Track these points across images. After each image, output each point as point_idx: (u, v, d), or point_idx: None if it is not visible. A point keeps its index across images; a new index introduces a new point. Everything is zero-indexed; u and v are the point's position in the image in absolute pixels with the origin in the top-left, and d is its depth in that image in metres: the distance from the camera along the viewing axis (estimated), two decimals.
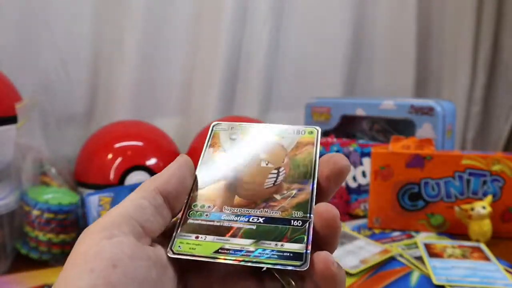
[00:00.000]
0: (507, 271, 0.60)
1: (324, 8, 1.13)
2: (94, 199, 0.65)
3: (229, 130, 0.30)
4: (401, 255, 0.65)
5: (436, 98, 1.03)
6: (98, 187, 0.72)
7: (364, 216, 0.83)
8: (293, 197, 0.25)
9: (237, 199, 0.26)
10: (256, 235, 0.23)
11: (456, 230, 0.74)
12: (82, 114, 0.93)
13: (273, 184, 0.26)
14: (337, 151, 0.85)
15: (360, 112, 0.91)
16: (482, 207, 0.69)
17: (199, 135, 0.87)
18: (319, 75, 1.16)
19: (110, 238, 0.21)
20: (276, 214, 0.25)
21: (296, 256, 0.22)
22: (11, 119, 0.65)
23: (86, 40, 0.90)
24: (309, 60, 1.15)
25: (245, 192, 0.26)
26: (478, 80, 1.28)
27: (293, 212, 0.25)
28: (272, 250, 0.23)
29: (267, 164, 0.27)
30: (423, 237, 0.73)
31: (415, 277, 0.59)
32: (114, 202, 0.65)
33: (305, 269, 0.22)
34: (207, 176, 0.27)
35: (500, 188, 0.72)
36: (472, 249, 0.67)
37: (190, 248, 0.23)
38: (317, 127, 0.30)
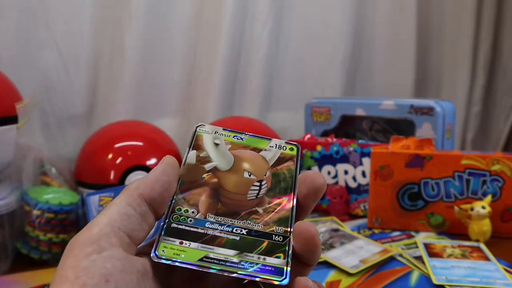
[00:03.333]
0: (506, 271, 0.60)
1: (324, 8, 1.14)
2: (94, 199, 0.65)
3: (213, 134, 0.30)
4: (401, 255, 0.65)
5: (436, 98, 1.03)
6: (98, 187, 0.72)
7: (364, 216, 0.83)
8: (274, 212, 0.26)
9: (220, 207, 0.26)
10: (239, 247, 0.24)
11: (455, 230, 0.74)
12: (82, 114, 0.93)
13: (256, 196, 0.27)
14: (337, 151, 0.85)
15: (360, 112, 0.91)
16: (482, 207, 0.69)
17: None
18: (319, 75, 1.16)
19: (100, 252, 0.21)
20: (259, 227, 0.25)
21: (278, 271, 0.23)
22: (12, 119, 0.65)
23: (86, 40, 0.90)
24: (309, 60, 1.15)
25: (228, 201, 0.26)
26: (478, 80, 1.29)
27: (274, 227, 0.25)
28: (255, 263, 0.23)
29: (250, 176, 0.28)
30: (422, 237, 0.73)
31: (414, 277, 0.59)
32: None
33: (286, 284, 0.23)
34: (191, 179, 0.27)
35: (499, 188, 0.72)
36: (472, 249, 0.67)
37: (174, 254, 0.23)
38: (298, 145, 0.30)
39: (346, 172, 0.85)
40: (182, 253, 0.23)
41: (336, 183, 0.86)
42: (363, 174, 0.84)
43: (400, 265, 0.63)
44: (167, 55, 0.99)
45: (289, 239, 0.25)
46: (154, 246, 0.23)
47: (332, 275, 0.60)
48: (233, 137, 0.30)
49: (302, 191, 0.27)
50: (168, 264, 0.23)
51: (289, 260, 0.24)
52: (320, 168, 0.87)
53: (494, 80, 1.31)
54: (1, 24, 0.81)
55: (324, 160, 0.87)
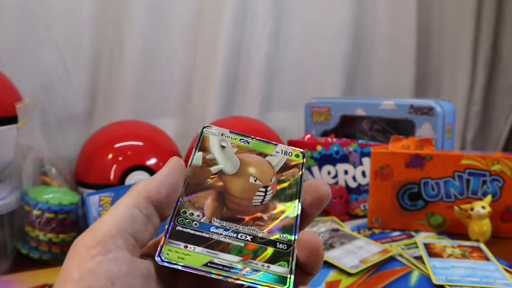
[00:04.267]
0: (506, 271, 0.60)
1: (324, 8, 1.14)
2: (94, 199, 0.65)
3: (219, 136, 0.29)
4: (400, 255, 0.65)
5: (436, 98, 1.03)
6: (98, 187, 0.72)
7: (364, 216, 0.83)
8: (279, 219, 0.26)
9: (225, 211, 0.26)
10: (244, 253, 0.24)
11: (455, 230, 0.74)
12: (82, 114, 0.93)
13: (261, 202, 0.27)
14: (337, 151, 0.85)
15: (360, 112, 0.91)
16: (482, 207, 0.69)
17: None
18: (319, 75, 1.16)
19: (105, 254, 0.21)
20: (264, 234, 0.25)
21: (281, 279, 0.23)
22: (12, 119, 0.65)
23: (86, 40, 0.90)
24: (309, 60, 1.15)
25: (233, 206, 0.26)
26: (478, 80, 1.29)
27: (279, 234, 0.25)
28: (259, 271, 0.23)
29: (255, 181, 0.27)
30: (422, 237, 0.73)
31: (414, 276, 0.59)
32: (114, 202, 0.65)
33: None
34: (196, 181, 0.26)
35: (499, 188, 0.72)
36: (472, 249, 0.67)
37: (178, 258, 0.23)
38: (304, 152, 0.30)
39: (346, 172, 0.85)
40: (187, 257, 0.23)
41: (336, 183, 0.86)
42: (363, 174, 0.84)
43: (400, 265, 0.63)
44: (167, 55, 0.99)
45: (293, 248, 0.25)
46: (159, 249, 0.23)
47: (332, 275, 0.60)
48: (240, 140, 0.29)
49: (306, 199, 0.27)
50: (172, 267, 0.23)
51: (293, 268, 0.24)
52: (320, 168, 0.87)
53: (494, 80, 1.31)
54: (1, 24, 0.81)
55: (324, 160, 0.87)
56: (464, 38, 1.26)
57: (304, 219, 0.27)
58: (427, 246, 0.68)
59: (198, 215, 0.25)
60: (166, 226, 0.24)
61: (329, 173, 0.87)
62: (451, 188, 0.74)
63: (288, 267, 0.24)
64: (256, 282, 0.23)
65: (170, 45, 0.98)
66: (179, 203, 0.25)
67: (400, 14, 1.21)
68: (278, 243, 0.25)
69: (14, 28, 0.83)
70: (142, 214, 0.23)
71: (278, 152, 0.29)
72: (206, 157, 0.28)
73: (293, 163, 0.29)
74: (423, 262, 0.63)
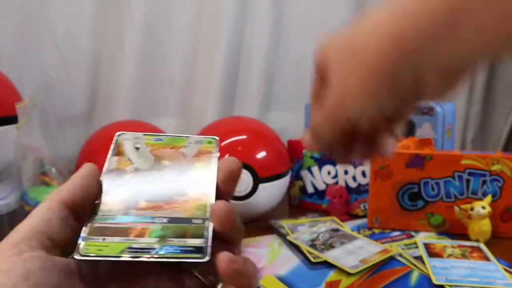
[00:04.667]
0: (506, 271, 0.60)
1: (324, 8, 1.13)
2: None
3: (133, 140, 0.31)
4: (400, 255, 0.65)
5: None
6: None
7: (364, 216, 0.83)
8: (194, 199, 0.27)
9: (142, 203, 0.27)
10: (161, 234, 0.25)
11: (455, 230, 0.74)
12: (82, 114, 0.93)
13: (176, 188, 0.28)
14: None
15: None
16: (482, 207, 0.69)
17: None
18: None
19: (20, 254, 0.22)
20: (179, 214, 0.26)
21: (197, 250, 0.24)
22: (12, 119, 0.65)
23: (86, 40, 0.90)
24: (309, 60, 1.14)
25: (149, 197, 0.27)
26: (478, 80, 1.28)
27: (194, 212, 0.27)
28: (176, 246, 0.24)
29: (170, 171, 0.29)
30: (422, 237, 0.73)
31: (414, 276, 0.59)
32: None
33: (206, 260, 0.24)
34: (113, 183, 0.28)
35: (499, 188, 0.72)
36: (472, 249, 0.67)
37: (97, 250, 0.24)
38: (216, 137, 0.32)
39: (346, 172, 0.85)
40: (105, 248, 0.24)
41: (336, 183, 0.86)
42: (363, 174, 0.84)
43: (400, 265, 0.63)
44: (167, 55, 0.99)
45: (208, 220, 0.26)
46: (77, 246, 0.24)
47: (332, 275, 0.60)
48: (154, 139, 0.31)
49: (219, 177, 0.28)
50: (91, 260, 0.23)
51: (209, 238, 0.25)
52: (320, 168, 0.87)
53: (494, 80, 1.31)
54: (1, 24, 0.81)
55: (324, 160, 0.87)
56: None
57: (220, 195, 0.28)
58: (427, 246, 0.68)
59: (116, 210, 0.26)
60: (83, 226, 0.25)
61: (329, 173, 0.87)
62: (451, 188, 0.74)
63: (204, 238, 0.25)
64: (171, 257, 0.24)
65: (170, 45, 0.98)
66: (95, 204, 0.26)
67: None
68: (193, 220, 0.26)
69: (14, 28, 0.83)
70: (57, 216, 0.24)
71: (191, 143, 0.31)
72: (122, 160, 0.29)
73: (206, 149, 0.31)
74: (423, 262, 0.63)
